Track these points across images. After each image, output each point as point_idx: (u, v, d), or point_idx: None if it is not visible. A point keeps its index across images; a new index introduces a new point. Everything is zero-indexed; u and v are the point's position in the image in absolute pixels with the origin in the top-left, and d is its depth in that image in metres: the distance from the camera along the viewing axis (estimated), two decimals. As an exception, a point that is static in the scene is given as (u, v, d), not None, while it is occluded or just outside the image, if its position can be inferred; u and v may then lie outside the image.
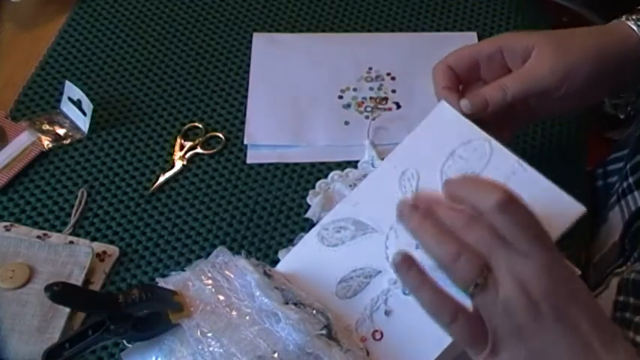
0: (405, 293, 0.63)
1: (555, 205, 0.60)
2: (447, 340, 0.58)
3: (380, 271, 0.64)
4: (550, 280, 0.50)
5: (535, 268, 0.50)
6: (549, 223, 0.55)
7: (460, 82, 0.69)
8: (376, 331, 0.62)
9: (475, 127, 0.66)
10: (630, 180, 0.70)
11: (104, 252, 0.72)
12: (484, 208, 0.51)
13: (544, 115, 0.78)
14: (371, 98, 0.85)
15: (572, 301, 0.50)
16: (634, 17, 0.69)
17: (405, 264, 0.54)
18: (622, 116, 0.78)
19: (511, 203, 0.51)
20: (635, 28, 0.68)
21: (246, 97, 0.85)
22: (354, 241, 0.66)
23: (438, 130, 0.68)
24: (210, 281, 0.64)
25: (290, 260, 0.68)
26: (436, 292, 0.53)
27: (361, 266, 0.65)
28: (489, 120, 0.67)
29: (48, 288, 0.59)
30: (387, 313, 0.63)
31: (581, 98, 0.69)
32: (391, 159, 0.68)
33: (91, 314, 0.65)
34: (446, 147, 0.66)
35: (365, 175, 0.74)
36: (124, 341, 0.63)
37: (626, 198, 0.71)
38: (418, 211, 0.55)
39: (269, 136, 0.82)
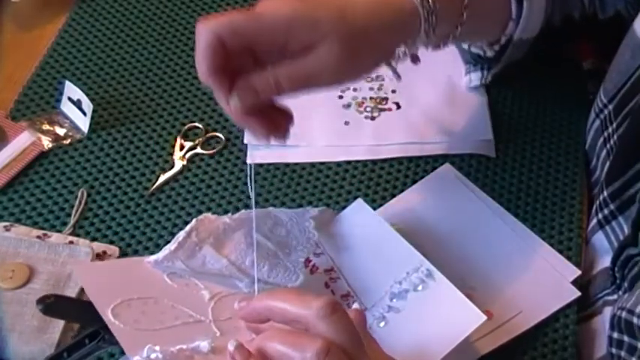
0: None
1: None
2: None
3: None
4: None
5: None
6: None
7: (231, 63, 0.59)
8: None
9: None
10: (612, 207, 0.69)
11: (104, 252, 0.72)
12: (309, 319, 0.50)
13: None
14: (371, 98, 0.85)
15: None
16: None
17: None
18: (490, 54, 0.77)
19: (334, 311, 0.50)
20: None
21: (246, 97, 0.85)
22: None
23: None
24: None
25: None
26: None
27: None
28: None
29: (40, 301, 0.59)
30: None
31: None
32: None
33: (84, 325, 0.65)
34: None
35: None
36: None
37: (611, 224, 0.70)
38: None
39: (269, 135, 0.82)
